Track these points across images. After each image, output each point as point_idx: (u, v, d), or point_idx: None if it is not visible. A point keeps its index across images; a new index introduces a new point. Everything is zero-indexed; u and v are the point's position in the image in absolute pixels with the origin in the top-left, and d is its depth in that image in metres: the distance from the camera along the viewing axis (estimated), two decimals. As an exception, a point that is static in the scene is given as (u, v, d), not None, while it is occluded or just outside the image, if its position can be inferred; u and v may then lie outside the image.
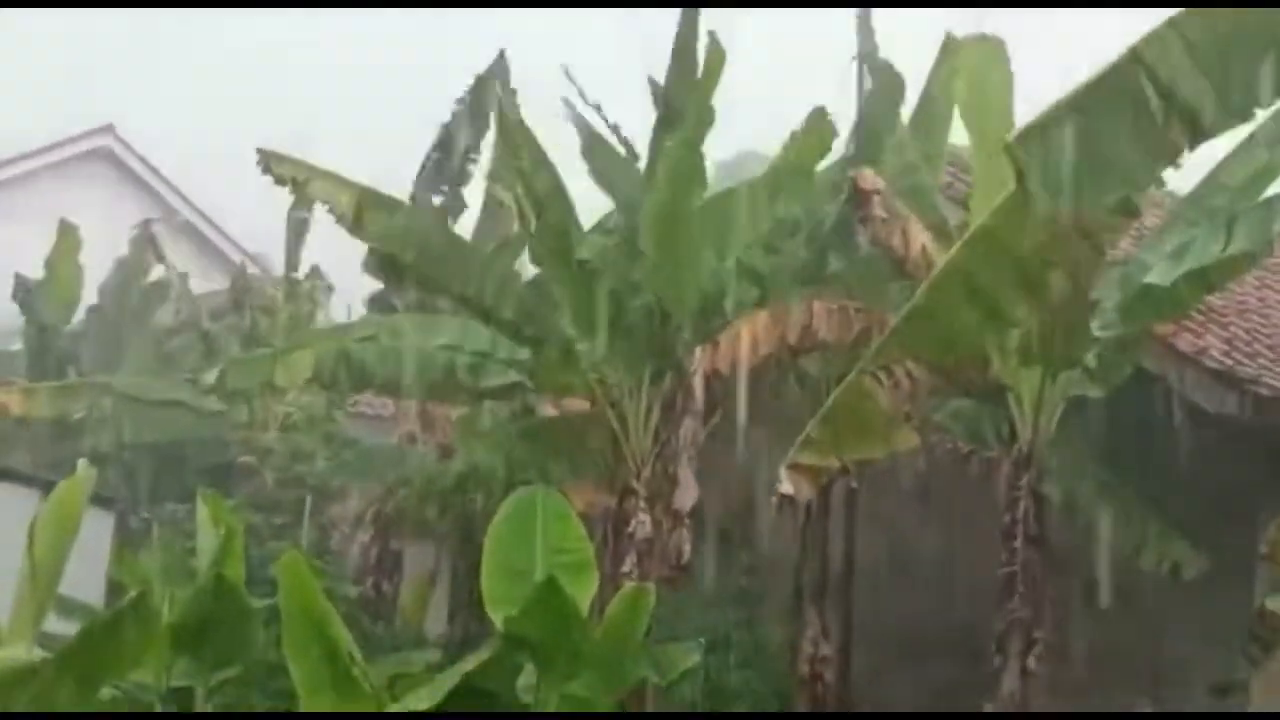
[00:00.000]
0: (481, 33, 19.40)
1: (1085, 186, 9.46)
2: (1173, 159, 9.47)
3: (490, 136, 16.77)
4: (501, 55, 17.27)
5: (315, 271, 20.56)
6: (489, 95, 16.90)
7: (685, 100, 12.35)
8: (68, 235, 22.52)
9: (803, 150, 12.83)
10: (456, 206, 17.47)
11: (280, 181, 12.73)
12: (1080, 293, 10.90)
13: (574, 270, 12.56)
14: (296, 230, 19.69)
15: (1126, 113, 9.29)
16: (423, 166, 17.38)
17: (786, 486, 10.92)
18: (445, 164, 17.38)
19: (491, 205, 16.93)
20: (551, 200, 12.48)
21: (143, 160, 29.83)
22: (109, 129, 29.87)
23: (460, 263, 13.04)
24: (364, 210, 12.51)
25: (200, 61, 42.62)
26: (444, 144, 17.43)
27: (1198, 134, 9.36)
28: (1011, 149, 9.52)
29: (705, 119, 12.12)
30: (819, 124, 12.69)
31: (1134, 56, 9.23)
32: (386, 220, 12.77)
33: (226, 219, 29.75)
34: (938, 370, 10.93)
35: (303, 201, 15.33)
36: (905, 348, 10.69)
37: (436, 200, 17.32)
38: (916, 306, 10.61)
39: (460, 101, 17.42)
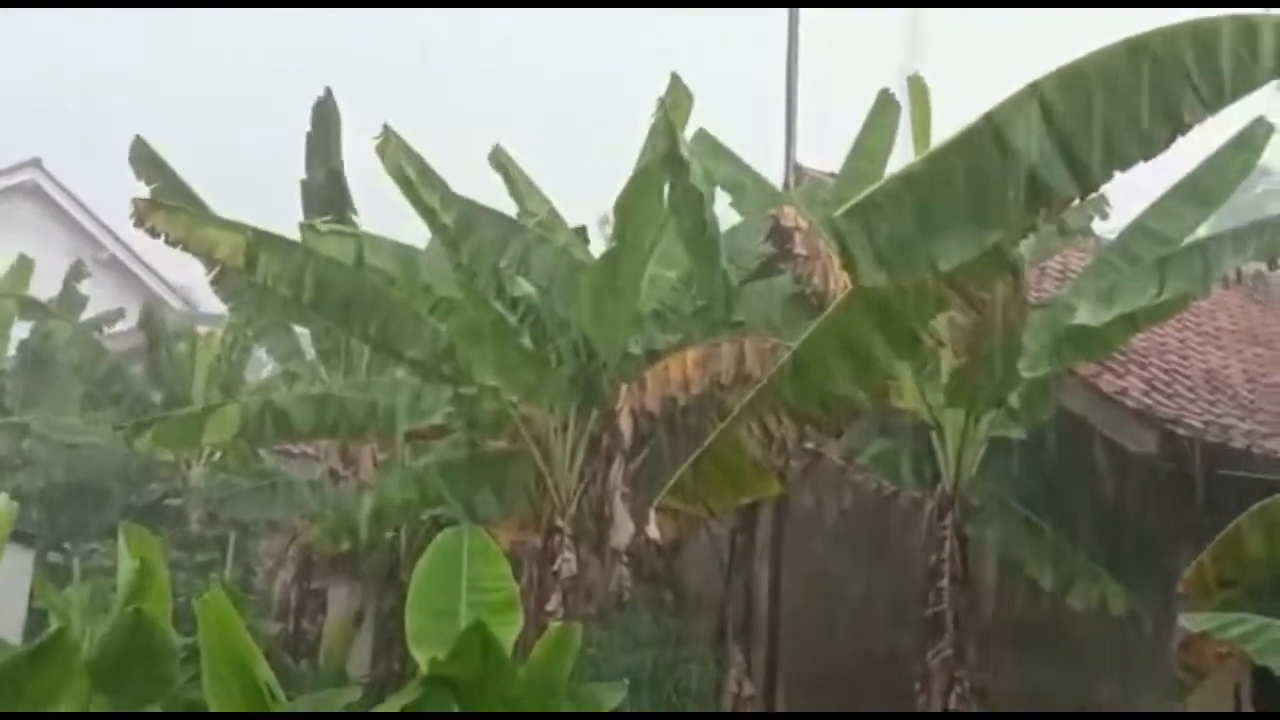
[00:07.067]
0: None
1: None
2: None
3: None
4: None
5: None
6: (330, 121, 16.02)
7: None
8: None
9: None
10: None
11: (155, 235, 11.86)
12: (1006, 334, 10.97)
13: (497, 309, 12.23)
14: None
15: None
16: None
17: (652, 529, 10.96)
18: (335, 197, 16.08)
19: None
20: (465, 234, 12.02)
21: (70, 195, 29.55)
22: (36, 163, 29.59)
23: (369, 302, 12.34)
24: (257, 252, 11.76)
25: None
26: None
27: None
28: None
29: (664, 166, 11.88)
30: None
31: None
32: (283, 261, 11.98)
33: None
34: (810, 422, 10.75)
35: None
36: (778, 401, 10.60)
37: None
38: (791, 361, 10.50)
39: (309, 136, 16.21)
